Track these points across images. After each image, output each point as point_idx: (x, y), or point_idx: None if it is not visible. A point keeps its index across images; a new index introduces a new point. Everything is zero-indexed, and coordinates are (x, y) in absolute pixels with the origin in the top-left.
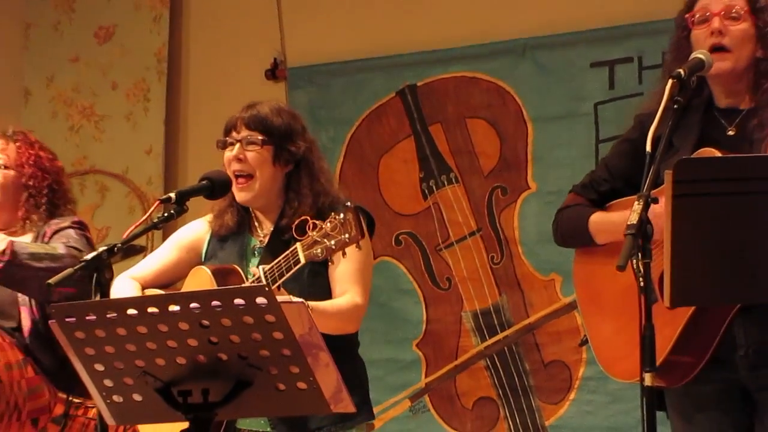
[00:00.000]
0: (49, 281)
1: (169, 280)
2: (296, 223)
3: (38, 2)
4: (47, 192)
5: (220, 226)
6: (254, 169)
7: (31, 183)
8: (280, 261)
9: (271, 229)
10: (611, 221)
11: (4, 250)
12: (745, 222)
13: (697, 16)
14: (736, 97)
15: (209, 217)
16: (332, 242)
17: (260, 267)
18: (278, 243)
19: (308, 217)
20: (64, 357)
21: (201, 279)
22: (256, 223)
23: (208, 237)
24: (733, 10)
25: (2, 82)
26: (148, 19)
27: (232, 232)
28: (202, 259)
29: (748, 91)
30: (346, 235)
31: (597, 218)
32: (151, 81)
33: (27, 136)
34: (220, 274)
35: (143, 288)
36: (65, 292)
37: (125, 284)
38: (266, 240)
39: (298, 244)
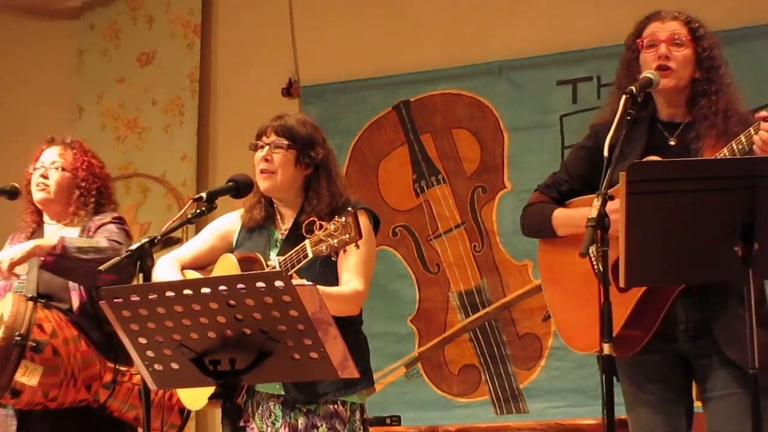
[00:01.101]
0: (100, 267)
1: (205, 262)
2: (305, 223)
3: (89, 32)
4: (95, 193)
5: (249, 219)
6: (278, 168)
7: (83, 185)
8: (292, 254)
9: (291, 223)
10: (571, 217)
11: (55, 245)
12: (685, 215)
13: (646, 41)
14: (676, 109)
15: (241, 211)
16: (335, 241)
17: (276, 258)
18: (295, 236)
19: (315, 219)
20: (110, 332)
21: (228, 265)
22: (279, 218)
23: (238, 228)
24: (677, 38)
25: (59, 100)
26: (182, 46)
27: (259, 225)
28: (233, 247)
29: (686, 106)
30: (347, 236)
31: (558, 214)
32: (185, 98)
33: (82, 145)
34: (244, 261)
35: (182, 267)
36: (109, 278)
37: (168, 263)
38: (286, 233)
39: (306, 241)
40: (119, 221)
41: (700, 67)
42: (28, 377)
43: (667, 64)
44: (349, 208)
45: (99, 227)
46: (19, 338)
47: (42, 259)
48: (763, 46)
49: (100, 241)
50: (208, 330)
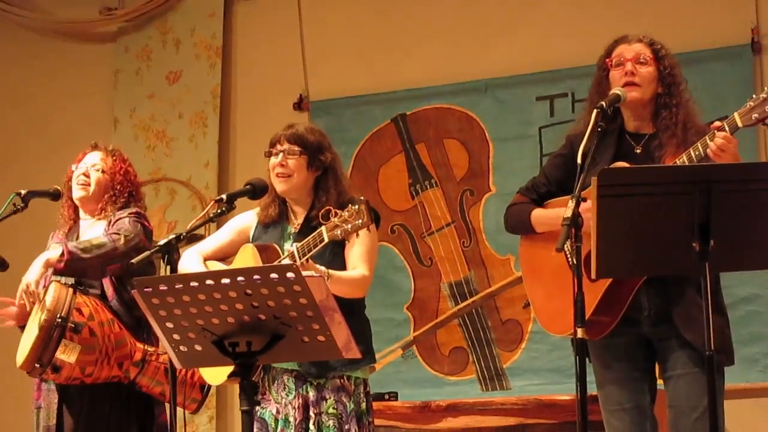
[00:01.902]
0: (132, 260)
1: (225, 255)
2: (322, 211)
3: (124, 54)
4: (127, 196)
5: (265, 216)
6: (293, 172)
7: (118, 187)
8: (308, 240)
9: (303, 219)
10: (548, 216)
11: (62, 253)
12: (649, 215)
13: (615, 60)
14: (641, 122)
15: (257, 209)
16: (349, 226)
17: (294, 245)
18: (307, 229)
19: (331, 207)
20: (140, 316)
21: (248, 254)
22: (292, 215)
23: (255, 224)
24: (641, 57)
25: (97, 113)
26: (206, 66)
27: (274, 221)
28: (250, 241)
29: (651, 119)
30: (360, 221)
31: (537, 214)
32: (208, 112)
33: (122, 154)
34: (262, 250)
35: (205, 259)
36: (115, 268)
37: (193, 256)
38: (299, 227)
39: (323, 227)
40: (136, 215)
41: (662, 83)
42: (67, 355)
43: (632, 80)
44: (361, 197)
45: (117, 220)
46: (60, 320)
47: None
48: (717, 67)
49: (100, 237)
50: (227, 316)
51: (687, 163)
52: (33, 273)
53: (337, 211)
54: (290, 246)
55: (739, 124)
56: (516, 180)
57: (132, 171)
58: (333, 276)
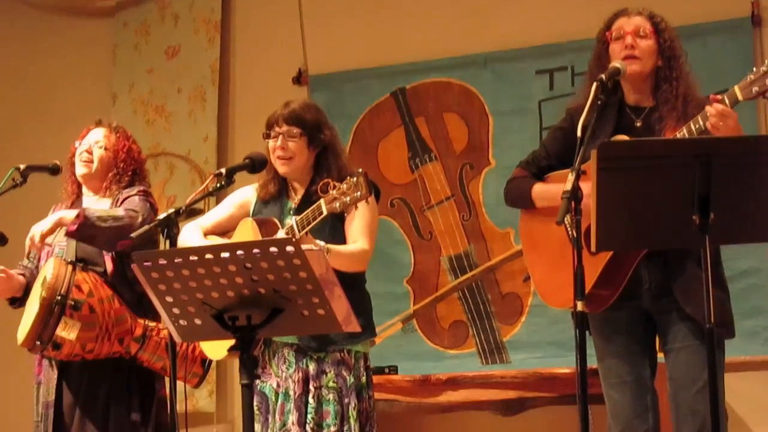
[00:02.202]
0: (132, 234)
1: (225, 229)
2: (320, 184)
3: (123, 29)
4: (131, 173)
5: (265, 193)
6: (294, 154)
7: (121, 165)
8: (307, 213)
9: (303, 194)
10: (548, 191)
11: (78, 215)
12: (649, 188)
13: (614, 34)
14: (641, 95)
15: (256, 185)
16: (347, 198)
17: (293, 217)
18: (307, 204)
19: (330, 180)
20: (141, 292)
21: (247, 227)
22: (292, 191)
23: (254, 200)
24: (641, 30)
25: (95, 88)
26: (204, 40)
27: (274, 198)
28: (250, 215)
29: (651, 91)
30: (358, 193)
31: (537, 188)
32: (207, 87)
33: (125, 131)
34: (261, 224)
35: (205, 233)
36: (127, 243)
37: (193, 230)
38: (298, 202)
39: (321, 200)
40: (144, 194)
41: (662, 57)
42: (67, 332)
43: (632, 53)
44: (360, 169)
45: (126, 198)
46: (60, 297)
47: (67, 228)
48: (715, 40)
49: (118, 210)
50: (227, 289)
51: (687, 136)
52: (43, 225)
53: (336, 184)
54: (291, 218)
55: (740, 98)
56: (516, 154)
57: (136, 148)
58: (332, 250)
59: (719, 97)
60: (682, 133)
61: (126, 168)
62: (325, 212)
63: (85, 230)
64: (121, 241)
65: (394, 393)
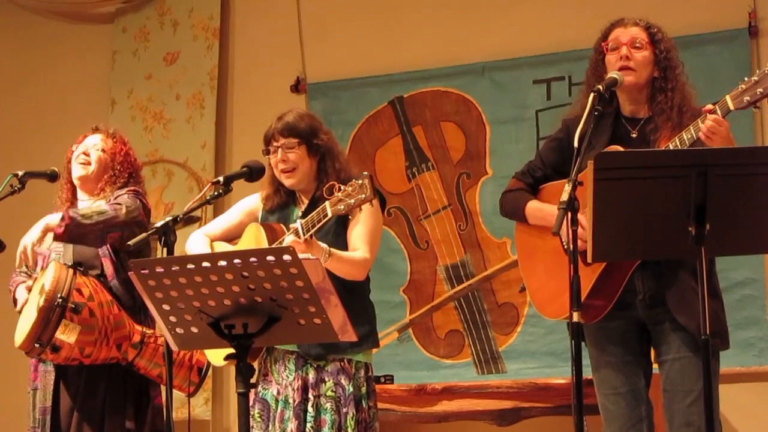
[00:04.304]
0: (129, 242)
1: (232, 236)
2: (325, 186)
3: (122, 35)
4: (126, 177)
5: (270, 205)
6: (297, 164)
7: (117, 168)
8: (312, 215)
9: (308, 202)
10: (541, 209)
11: (63, 217)
12: (645, 198)
13: (611, 44)
14: (637, 106)
15: (262, 194)
16: (352, 201)
17: (298, 220)
18: (314, 209)
19: (335, 183)
20: (140, 298)
21: (253, 231)
22: (299, 199)
23: (261, 208)
24: (637, 41)
25: (95, 94)
26: (203, 47)
27: (280, 207)
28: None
29: (646, 102)
30: (362, 195)
31: (531, 206)
32: (205, 93)
33: (122, 136)
34: (267, 228)
35: (212, 241)
36: (116, 236)
37: (200, 238)
38: (305, 209)
39: (326, 203)
40: (134, 192)
41: (658, 67)
42: (67, 335)
43: (628, 65)
44: (364, 172)
45: (116, 197)
46: (60, 300)
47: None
48: (714, 50)
49: (101, 204)
50: (224, 298)
51: (679, 146)
52: (31, 235)
53: (341, 186)
54: (296, 221)
55: (731, 107)
56: (512, 163)
57: (132, 153)
58: (334, 254)
59: (711, 107)
60: (675, 143)
61: (122, 171)
62: (330, 214)
63: (73, 230)
64: (109, 234)
65: (390, 402)
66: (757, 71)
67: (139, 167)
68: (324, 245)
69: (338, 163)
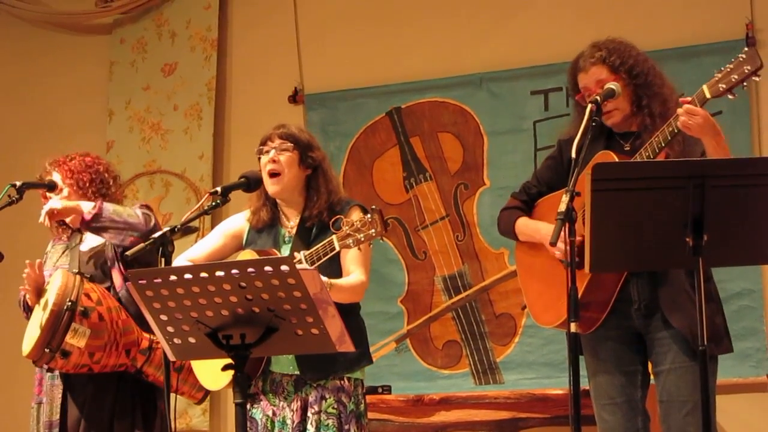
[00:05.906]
0: (126, 252)
1: (215, 259)
2: (333, 220)
3: (120, 46)
4: (98, 183)
5: (257, 221)
6: (284, 168)
7: (87, 185)
8: (318, 248)
9: (298, 221)
10: (527, 225)
11: (95, 206)
12: (643, 209)
13: (585, 94)
14: (627, 122)
15: (247, 213)
16: (361, 236)
17: (302, 252)
18: (304, 231)
19: (342, 216)
20: None
21: (246, 258)
22: (284, 218)
23: (247, 228)
24: (602, 81)
25: (92, 104)
26: (201, 58)
27: (266, 225)
28: (243, 244)
29: (632, 116)
30: (373, 231)
31: (520, 223)
32: (203, 104)
33: (73, 154)
34: (263, 255)
35: None
36: (137, 241)
37: (181, 264)
38: (294, 229)
39: (334, 236)
40: (146, 207)
41: (630, 88)
42: (77, 339)
43: (606, 110)
44: (374, 206)
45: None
46: (70, 303)
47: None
48: (712, 61)
49: (137, 212)
50: (221, 308)
51: (662, 140)
52: (61, 204)
53: (349, 220)
54: (295, 252)
55: (708, 95)
56: (510, 174)
57: (89, 159)
58: (335, 285)
59: (689, 99)
60: (658, 139)
61: (91, 183)
62: (337, 248)
63: (99, 221)
64: (131, 237)
65: (388, 413)
66: (732, 59)
67: (105, 166)
68: (325, 279)
69: (330, 185)
